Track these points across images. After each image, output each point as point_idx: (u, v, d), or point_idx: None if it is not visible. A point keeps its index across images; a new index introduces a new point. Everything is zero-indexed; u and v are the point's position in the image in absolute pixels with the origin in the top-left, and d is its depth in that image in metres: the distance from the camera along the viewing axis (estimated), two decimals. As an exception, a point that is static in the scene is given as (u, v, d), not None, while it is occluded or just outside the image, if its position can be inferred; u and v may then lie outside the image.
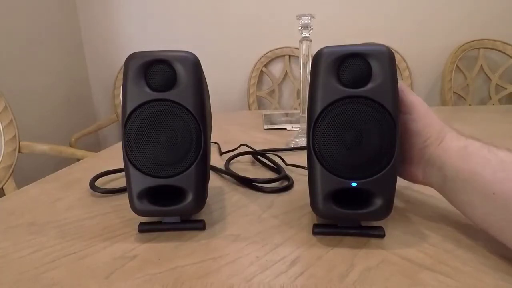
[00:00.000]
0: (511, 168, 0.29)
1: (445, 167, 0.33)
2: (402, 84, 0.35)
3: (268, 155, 0.61)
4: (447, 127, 0.35)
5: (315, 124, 0.32)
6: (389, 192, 0.33)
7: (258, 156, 0.62)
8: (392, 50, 0.32)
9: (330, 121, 0.32)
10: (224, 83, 1.81)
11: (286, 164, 0.58)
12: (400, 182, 0.49)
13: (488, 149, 0.31)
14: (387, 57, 0.32)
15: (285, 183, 0.50)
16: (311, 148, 0.33)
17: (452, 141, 0.34)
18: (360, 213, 0.33)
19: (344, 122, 0.32)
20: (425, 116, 0.35)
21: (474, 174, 0.31)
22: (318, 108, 0.32)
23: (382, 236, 0.34)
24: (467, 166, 0.31)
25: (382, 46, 0.32)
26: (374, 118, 0.31)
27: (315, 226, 0.35)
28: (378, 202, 0.32)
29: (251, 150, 0.64)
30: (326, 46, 0.33)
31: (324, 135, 0.32)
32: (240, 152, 0.65)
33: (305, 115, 0.35)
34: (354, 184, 0.32)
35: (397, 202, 0.42)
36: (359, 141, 0.32)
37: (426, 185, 0.37)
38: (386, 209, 0.33)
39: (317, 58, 0.33)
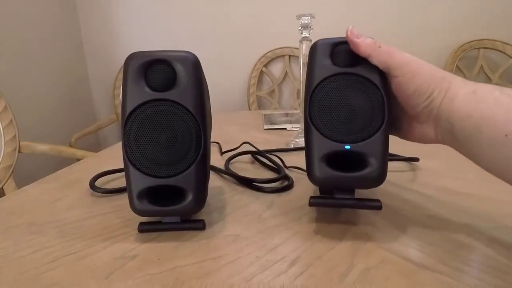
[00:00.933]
0: None
1: (453, 116, 0.31)
2: (375, 46, 0.34)
3: (268, 155, 0.61)
4: (449, 75, 0.32)
5: (311, 95, 0.35)
6: (382, 155, 0.34)
7: (258, 156, 0.62)
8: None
9: (326, 93, 0.35)
10: (224, 83, 1.81)
11: (286, 166, 0.58)
12: (400, 181, 0.49)
13: (500, 90, 0.29)
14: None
15: (285, 183, 0.50)
16: (307, 116, 0.35)
17: (458, 88, 0.31)
18: (354, 175, 0.34)
19: (337, 93, 0.35)
20: (420, 72, 0.33)
21: (484, 118, 0.28)
22: (315, 81, 0.35)
23: (379, 207, 0.35)
24: (476, 112, 0.29)
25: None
26: (364, 91, 0.34)
27: (312, 197, 0.36)
28: (373, 164, 0.34)
29: (253, 149, 0.64)
30: (321, 38, 0.37)
31: (319, 105, 0.35)
32: (240, 152, 0.64)
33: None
34: (347, 147, 0.34)
35: (397, 202, 0.42)
36: (352, 110, 0.34)
37: (440, 143, 0.35)
38: (380, 172, 0.34)
39: (313, 48, 0.37)
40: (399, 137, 0.39)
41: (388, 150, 0.35)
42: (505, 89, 0.29)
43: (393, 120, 0.38)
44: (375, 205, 0.35)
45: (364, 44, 0.34)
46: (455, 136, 0.31)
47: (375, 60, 0.34)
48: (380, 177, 0.34)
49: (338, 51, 0.36)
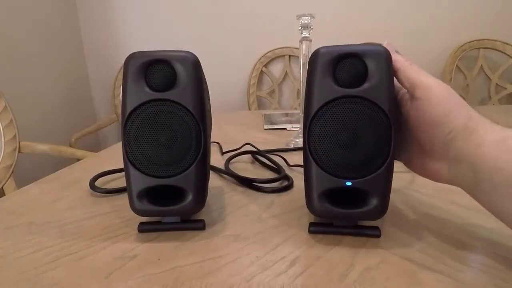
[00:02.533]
0: None
1: (478, 165, 0.28)
2: (406, 63, 0.32)
3: (268, 155, 0.61)
4: (477, 115, 0.29)
5: (310, 123, 0.33)
6: (384, 192, 0.32)
7: (258, 156, 0.62)
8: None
9: (326, 120, 0.32)
10: (224, 83, 1.81)
11: (288, 165, 0.58)
12: (399, 181, 0.49)
13: None
14: (384, 57, 0.32)
15: (285, 183, 0.50)
16: (306, 147, 0.33)
17: (485, 133, 0.28)
18: (355, 212, 0.33)
19: (339, 121, 0.32)
20: (446, 101, 0.29)
21: None
22: (314, 107, 0.32)
23: (377, 236, 0.34)
24: (507, 164, 0.26)
25: (379, 46, 0.32)
26: (369, 118, 0.31)
27: (311, 224, 0.36)
28: (373, 201, 0.32)
29: (254, 149, 0.64)
30: (323, 46, 0.33)
31: (319, 134, 0.32)
32: (240, 152, 0.65)
33: (304, 114, 0.36)
34: (348, 183, 0.32)
35: (397, 202, 0.42)
36: (354, 141, 0.32)
37: (452, 184, 0.32)
38: (381, 209, 0.33)
39: (313, 58, 0.33)
40: (406, 166, 0.37)
41: (391, 185, 0.33)
42: None
43: (404, 150, 0.36)
44: (374, 233, 0.34)
45: (394, 58, 0.32)
46: (479, 186, 0.28)
47: (402, 76, 0.32)
48: (381, 214, 0.33)
49: (342, 67, 0.32)
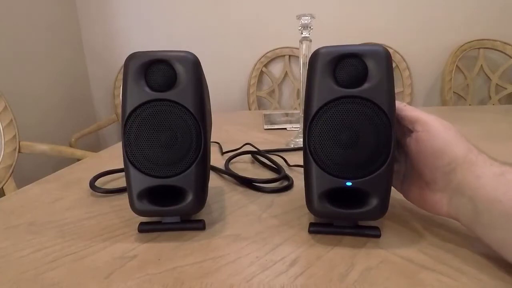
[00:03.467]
0: None
1: (478, 197, 0.28)
2: (401, 105, 0.34)
3: (268, 155, 0.61)
4: (476, 150, 0.31)
5: (310, 123, 0.33)
6: (385, 192, 0.33)
7: (258, 156, 0.62)
8: (390, 50, 0.32)
9: (326, 120, 0.32)
10: (224, 83, 1.81)
11: (288, 165, 0.58)
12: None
13: None
14: (383, 57, 0.32)
15: (285, 183, 0.50)
16: (306, 147, 0.33)
17: (485, 166, 0.29)
18: (354, 212, 0.33)
19: (339, 122, 0.32)
20: (445, 132, 0.31)
21: None
22: (314, 107, 0.32)
23: (377, 236, 0.34)
24: (506, 197, 0.27)
25: (379, 46, 0.32)
26: (369, 118, 0.31)
27: (311, 224, 0.36)
28: (373, 202, 0.32)
29: (254, 149, 0.64)
30: (323, 46, 0.33)
31: (319, 135, 0.32)
32: (240, 152, 0.65)
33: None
34: (348, 183, 0.32)
35: (397, 202, 0.42)
36: (354, 141, 0.32)
37: (451, 217, 0.33)
38: (381, 209, 0.33)
39: (313, 58, 0.33)
40: (405, 198, 0.38)
41: (391, 186, 0.33)
42: None
43: (404, 183, 0.37)
44: (374, 233, 0.34)
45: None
46: (479, 218, 0.29)
47: (401, 115, 0.33)
48: (381, 214, 0.33)
49: (342, 67, 0.32)
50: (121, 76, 1.14)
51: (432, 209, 0.34)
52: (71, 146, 1.54)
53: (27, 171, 1.17)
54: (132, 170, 0.34)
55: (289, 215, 0.40)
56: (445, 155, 0.31)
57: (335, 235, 0.35)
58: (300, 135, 0.74)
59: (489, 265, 0.30)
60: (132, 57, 0.34)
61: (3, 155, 0.99)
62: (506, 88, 1.62)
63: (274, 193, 0.47)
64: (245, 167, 0.60)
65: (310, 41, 0.65)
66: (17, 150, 1.03)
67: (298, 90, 1.61)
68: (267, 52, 1.75)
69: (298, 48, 0.67)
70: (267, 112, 1.20)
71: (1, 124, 1.00)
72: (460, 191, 0.30)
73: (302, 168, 0.35)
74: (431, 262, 0.30)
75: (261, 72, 1.77)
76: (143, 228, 0.36)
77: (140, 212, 0.35)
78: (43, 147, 1.09)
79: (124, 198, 0.42)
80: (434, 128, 0.32)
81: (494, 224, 0.27)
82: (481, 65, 1.64)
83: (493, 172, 0.28)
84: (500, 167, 0.29)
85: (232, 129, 0.93)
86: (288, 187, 0.48)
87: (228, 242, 0.35)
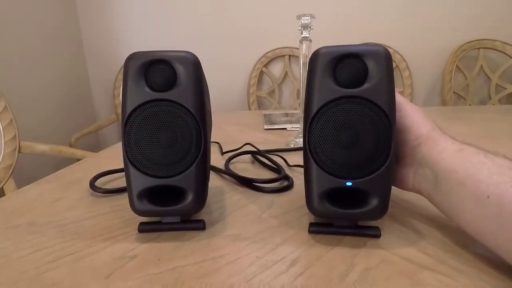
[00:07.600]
0: (508, 173, 0.28)
1: (438, 167, 0.32)
2: None
3: (268, 155, 0.61)
4: (439, 129, 0.35)
5: (310, 123, 0.33)
6: (385, 192, 0.33)
7: (258, 156, 0.62)
8: (390, 50, 0.32)
9: (326, 120, 0.32)
10: (224, 83, 1.81)
11: (288, 165, 0.58)
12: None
13: (484, 154, 0.31)
14: (384, 57, 0.32)
15: (285, 183, 0.50)
16: (306, 148, 0.33)
17: (446, 144, 0.33)
18: (355, 212, 0.33)
19: (339, 122, 0.32)
20: (413, 113, 0.35)
21: (468, 176, 0.30)
22: (314, 107, 0.32)
23: (377, 236, 0.34)
24: (462, 168, 0.30)
25: (379, 46, 0.32)
26: (370, 118, 0.31)
27: (311, 224, 0.36)
28: (373, 202, 0.32)
29: (254, 149, 0.64)
30: (323, 46, 0.33)
31: (319, 135, 0.32)
32: (240, 152, 0.65)
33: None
34: (349, 183, 0.32)
35: (397, 202, 0.42)
36: (355, 141, 0.32)
37: (415, 191, 0.36)
38: (382, 209, 0.33)
39: (313, 58, 0.33)
40: None
41: (391, 185, 0.33)
42: (488, 154, 0.30)
43: None
44: (374, 233, 0.34)
45: None
46: (438, 187, 0.32)
47: None
48: (381, 214, 0.33)
49: (342, 67, 0.32)
50: (121, 76, 1.14)
51: (400, 184, 0.38)
52: (71, 146, 1.54)
53: (27, 171, 1.17)
54: (132, 170, 0.34)
55: (289, 215, 0.40)
56: (413, 131, 0.35)
57: (335, 235, 0.35)
58: (300, 135, 0.74)
59: (489, 265, 0.30)
60: (132, 57, 0.34)
61: (3, 155, 0.99)
62: (506, 88, 1.62)
63: (274, 193, 0.47)
64: (245, 167, 0.60)
65: (310, 41, 0.65)
66: (17, 150, 1.03)
67: (298, 90, 1.61)
68: (267, 52, 1.75)
69: (298, 48, 0.67)
70: (267, 112, 1.20)
71: (1, 124, 1.00)
72: (423, 163, 0.34)
73: (302, 168, 0.35)
74: (431, 262, 0.30)
75: (261, 72, 1.77)
76: (143, 228, 0.36)
77: (140, 212, 0.35)
78: (43, 147, 1.09)
79: (124, 198, 0.42)
80: (405, 108, 0.35)
81: (451, 192, 0.31)
82: (481, 65, 1.64)
83: (454, 148, 0.32)
84: (460, 145, 0.33)
85: (232, 129, 0.93)
86: (288, 187, 0.48)
87: (228, 242, 0.35)
